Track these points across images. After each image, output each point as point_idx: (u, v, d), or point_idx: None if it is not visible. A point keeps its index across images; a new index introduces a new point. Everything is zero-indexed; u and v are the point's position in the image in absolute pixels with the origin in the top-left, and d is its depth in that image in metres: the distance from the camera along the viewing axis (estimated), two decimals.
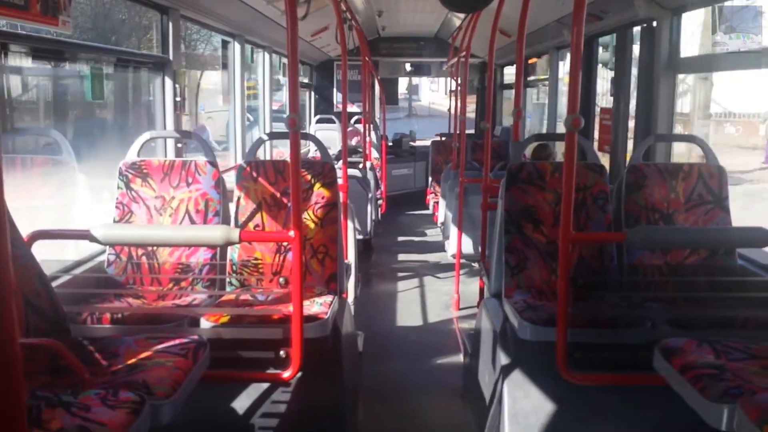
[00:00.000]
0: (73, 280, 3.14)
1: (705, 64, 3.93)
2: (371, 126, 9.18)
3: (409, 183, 11.56)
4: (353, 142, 10.04)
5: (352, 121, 9.99)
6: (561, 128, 6.76)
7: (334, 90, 11.63)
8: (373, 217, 7.93)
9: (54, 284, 2.63)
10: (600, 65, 5.34)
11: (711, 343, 2.33)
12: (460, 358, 4.57)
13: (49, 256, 2.74)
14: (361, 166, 7.72)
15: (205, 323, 2.91)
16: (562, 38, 6.03)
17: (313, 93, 11.60)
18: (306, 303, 2.97)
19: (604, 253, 3.36)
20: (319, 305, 3.09)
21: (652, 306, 3.09)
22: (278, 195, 3.57)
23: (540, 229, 3.38)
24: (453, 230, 6.31)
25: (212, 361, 2.46)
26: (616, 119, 4.67)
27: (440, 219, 8.43)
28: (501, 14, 4.38)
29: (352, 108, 10.78)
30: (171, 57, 4.37)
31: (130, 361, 2.22)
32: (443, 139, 10.44)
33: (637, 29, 4.41)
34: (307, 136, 4.18)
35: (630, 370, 2.65)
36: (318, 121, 10.52)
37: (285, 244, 3.47)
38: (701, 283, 3.18)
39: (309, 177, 3.60)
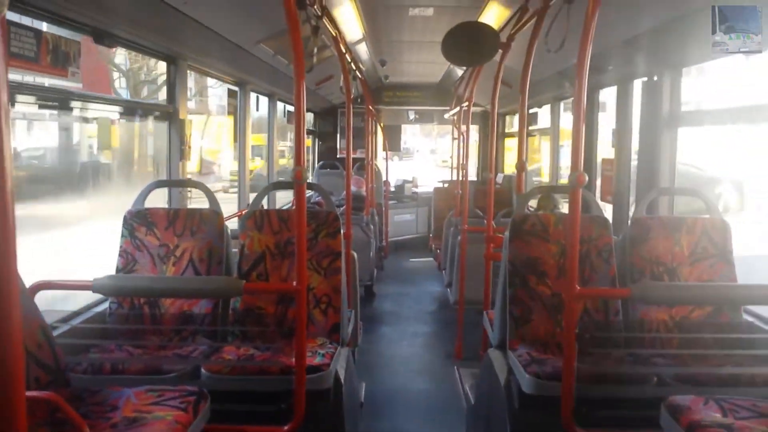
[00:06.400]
0: (73, 330, 3.12)
1: (707, 118, 3.97)
2: (373, 172, 9.24)
3: (412, 229, 11.58)
4: (355, 187, 10.08)
5: (355, 167, 10.07)
6: (563, 177, 6.82)
7: (338, 136, 11.74)
8: (376, 264, 7.91)
9: (54, 333, 2.61)
10: None
11: (718, 400, 2.31)
12: (462, 410, 4.50)
13: None
14: (364, 212, 7.74)
15: (206, 374, 2.89)
16: (563, 89, 6.11)
17: (316, 139, 11.70)
18: (308, 354, 2.95)
19: (608, 306, 3.34)
20: (321, 356, 3.06)
21: (658, 362, 3.06)
22: (282, 244, 3.57)
23: (544, 281, 3.37)
24: (456, 277, 6.29)
25: (212, 413, 2.43)
26: (619, 171, 4.69)
27: (443, 266, 8.41)
28: (503, 66, 4.45)
29: (355, 154, 10.87)
30: (178, 106, 4.42)
31: (130, 415, 2.19)
32: (446, 185, 10.48)
33: (638, 82, 4.46)
34: (313, 187, 4.20)
35: (636, 427, 2.61)
36: (321, 167, 10.59)
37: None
38: (707, 338, 3.15)
39: (313, 226, 3.61)
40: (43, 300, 2.55)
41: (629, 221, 3.54)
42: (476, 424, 3.88)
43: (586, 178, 2.42)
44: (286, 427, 2.67)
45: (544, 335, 3.29)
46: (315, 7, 3.57)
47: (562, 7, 3.17)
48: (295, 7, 2.54)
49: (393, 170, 12.49)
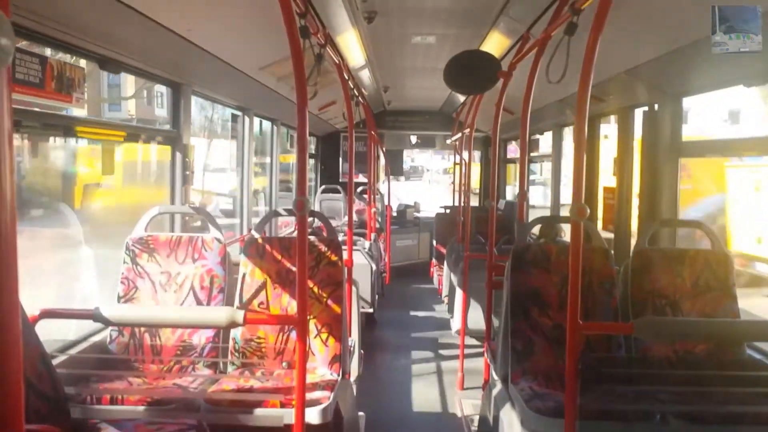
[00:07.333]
0: (73, 359, 3.10)
1: (708, 147, 3.97)
2: (375, 197, 9.24)
3: (413, 254, 11.54)
4: (357, 213, 10.07)
5: (358, 191, 10.07)
6: (565, 203, 6.80)
7: (340, 160, 11.77)
8: (377, 290, 7.87)
9: (55, 362, 2.59)
10: None
11: None
12: None
13: None
14: (365, 237, 7.72)
15: (206, 406, 2.86)
16: (564, 117, 6.13)
17: (318, 163, 11.73)
18: (308, 386, 2.92)
19: (611, 339, 3.32)
20: (321, 389, 3.04)
21: (662, 398, 3.03)
22: (284, 272, 3.56)
23: (546, 313, 3.36)
24: (458, 305, 6.25)
25: None
26: (620, 200, 4.69)
27: (444, 292, 8.37)
28: (504, 94, 4.47)
29: (357, 178, 10.88)
30: (181, 131, 4.44)
31: None
32: (447, 211, 10.48)
33: (639, 111, 4.48)
34: (314, 214, 4.20)
35: None
36: (324, 191, 10.61)
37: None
38: (710, 375, 3.12)
39: (315, 255, 3.60)
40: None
41: (631, 252, 3.53)
42: None
43: (588, 211, 2.41)
44: None
45: (546, 368, 3.26)
46: (318, 35, 3.59)
47: (562, 38, 3.19)
48: (299, 37, 2.56)
49: (398, 194, 12.41)
